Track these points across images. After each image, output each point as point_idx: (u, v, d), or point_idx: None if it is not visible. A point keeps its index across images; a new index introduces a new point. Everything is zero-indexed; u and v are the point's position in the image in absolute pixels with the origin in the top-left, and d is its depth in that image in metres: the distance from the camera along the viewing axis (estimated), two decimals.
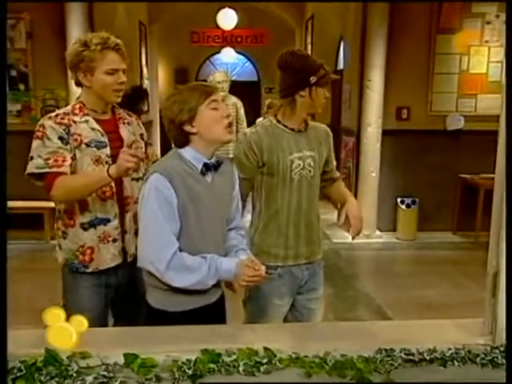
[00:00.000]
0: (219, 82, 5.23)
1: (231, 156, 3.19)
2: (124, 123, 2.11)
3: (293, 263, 2.16)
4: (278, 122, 2.13)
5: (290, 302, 2.22)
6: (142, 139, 2.18)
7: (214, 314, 1.81)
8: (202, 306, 1.76)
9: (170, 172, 1.67)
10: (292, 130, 2.13)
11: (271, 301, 2.14)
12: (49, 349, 1.28)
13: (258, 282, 1.73)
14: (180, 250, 1.67)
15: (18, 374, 1.23)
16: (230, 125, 1.73)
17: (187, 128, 1.69)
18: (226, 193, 1.85)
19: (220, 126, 1.70)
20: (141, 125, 2.23)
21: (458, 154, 5.64)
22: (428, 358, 1.36)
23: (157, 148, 7.70)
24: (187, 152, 1.73)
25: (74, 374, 1.23)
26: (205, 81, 6.31)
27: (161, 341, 1.42)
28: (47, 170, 1.90)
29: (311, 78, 2.05)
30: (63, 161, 1.92)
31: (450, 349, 1.40)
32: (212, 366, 1.30)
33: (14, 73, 5.47)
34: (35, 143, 1.94)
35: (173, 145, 1.79)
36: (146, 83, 8.65)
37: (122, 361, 1.29)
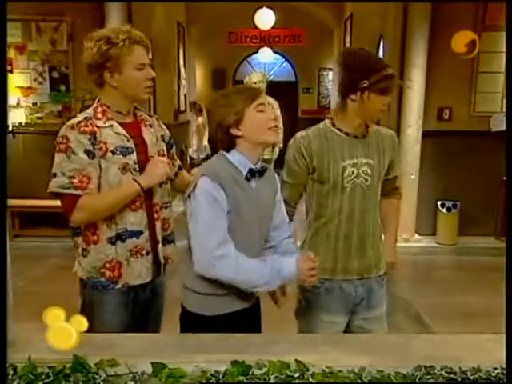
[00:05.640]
0: (255, 83, 5.17)
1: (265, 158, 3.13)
2: (146, 125, 1.97)
3: (342, 278, 2.01)
4: (333, 125, 1.97)
5: (345, 321, 2.06)
6: (163, 141, 2.05)
7: (249, 318, 1.80)
8: (238, 310, 1.75)
9: (219, 175, 1.65)
10: (347, 134, 1.95)
11: (319, 317, 2.01)
12: (77, 355, 1.26)
13: (315, 278, 1.70)
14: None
15: (46, 381, 1.22)
16: (276, 127, 1.72)
17: (234, 131, 1.69)
18: (269, 199, 1.83)
19: (266, 129, 1.70)
20: (162, 125, 2.09)
21: (503, 156, 5.39)
22: (472, 377, 1.27)
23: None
24: (233, 156, 1.72)
25: (102, 383, 1.21)
26: (242, 82, 6.30)
27: (190, 350, 1.39)
28: (71, 191, 1.75)
29: (362, 82, 1.84)
30: (88, 182, 1.77)
31: (495, 368, 1.30)
32: (241, 378, 1.26)
33: (55, 74, 5.58)
34: (58, 157, 1.77)
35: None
36: (184, 83, 8.71)
37: (149, 370, 1.27)
